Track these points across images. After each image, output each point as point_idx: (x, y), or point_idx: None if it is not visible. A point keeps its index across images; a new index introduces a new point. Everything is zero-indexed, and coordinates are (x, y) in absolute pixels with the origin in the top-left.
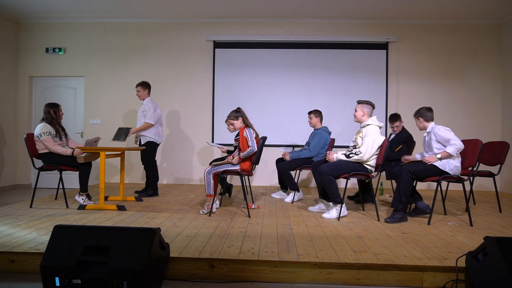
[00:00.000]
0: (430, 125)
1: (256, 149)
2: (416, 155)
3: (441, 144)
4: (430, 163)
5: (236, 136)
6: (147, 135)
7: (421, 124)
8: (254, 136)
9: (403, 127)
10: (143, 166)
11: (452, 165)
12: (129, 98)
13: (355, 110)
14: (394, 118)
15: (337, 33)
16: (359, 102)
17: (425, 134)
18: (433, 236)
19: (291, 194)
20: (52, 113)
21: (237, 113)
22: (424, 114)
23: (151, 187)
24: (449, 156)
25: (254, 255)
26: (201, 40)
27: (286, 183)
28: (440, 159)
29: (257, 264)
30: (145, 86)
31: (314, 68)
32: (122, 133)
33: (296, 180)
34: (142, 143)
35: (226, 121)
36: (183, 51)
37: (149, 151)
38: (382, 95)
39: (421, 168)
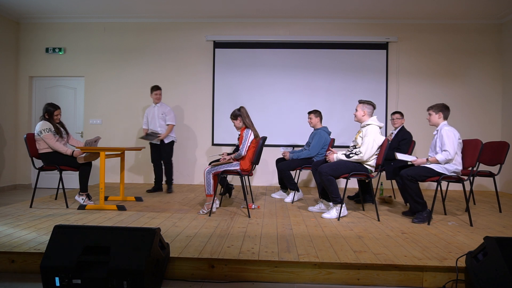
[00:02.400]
0: (442, 124)
1: (243, 154)
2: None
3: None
4: (418, 164)
5: (239, 135)
6: (171, 135)
7: (437, 119)
8: (253, 137)
9: (403, 126)
10: (163, 164)
11: (453, 168)
12: (129, 98)
13: (356, 110)
14: (396, 111)
15: (337, 33)
16: (361, 102)
17: (435, 132)
18: (433, 236)
19: (291, 194)
20: (46, 116)
21: (238, 111)
22: (445, 111)
23: (170, 183)
24: (438, 162)
25: (254, 255)
26: (201, 40)
27: (286, 183)
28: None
29: (257, 264)
30: (160, 90)
31: (314, 68)
32: (151, 136)
33: (296, 180)
34: (166, 142)
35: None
36: (183, 51)
37: (171, 150)
38: (382, 95)
39: (419, 171)
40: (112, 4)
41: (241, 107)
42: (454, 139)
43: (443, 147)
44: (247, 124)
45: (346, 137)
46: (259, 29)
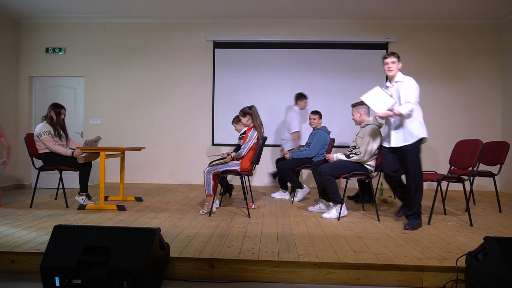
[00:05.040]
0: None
1: (243, 155)
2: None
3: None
4: (397, 114)
5: (241, 134)
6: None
7: (398, 68)
8: (256, 140)
9: None
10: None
11: (424, 130)
12: (129, 98)
13: (352, 115)
14: None
15: (337, 33)
16: (354, 106)
17: (392, 86)
18: (433, 236)
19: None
20: (52, 114)
21: (249, 110)
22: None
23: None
24: (403, 114)
25: (254, 255)
26: (201, 40)
27: (289, 181)
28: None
29: (257, 264)
30: None
31: (314, 68)
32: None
33: None
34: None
35: (233, 121)
36: (183, 51)
37: None
38: None
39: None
40: (112, 4)
41: (252, 106)
42: (417, 90)
43: (407, 97)
44: (256, 125)
45: (346, 137)
46: (259, 29)
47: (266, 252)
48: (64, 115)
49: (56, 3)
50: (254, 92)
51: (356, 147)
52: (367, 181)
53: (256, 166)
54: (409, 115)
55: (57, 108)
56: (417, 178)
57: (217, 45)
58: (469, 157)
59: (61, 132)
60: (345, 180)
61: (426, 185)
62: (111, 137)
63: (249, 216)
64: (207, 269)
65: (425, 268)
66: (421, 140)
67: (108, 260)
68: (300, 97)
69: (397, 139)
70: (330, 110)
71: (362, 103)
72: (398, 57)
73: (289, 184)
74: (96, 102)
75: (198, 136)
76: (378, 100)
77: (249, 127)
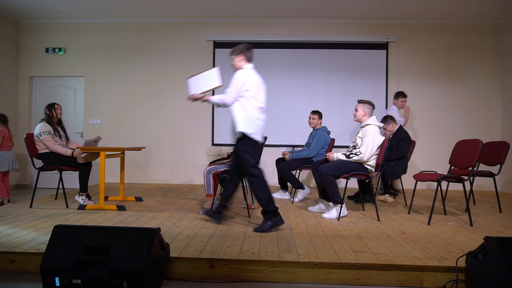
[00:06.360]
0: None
1: None
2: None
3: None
4: (205, 100)
5: None
6: None
7: (239, 61)
8: None
9: (400, 126)
10: None
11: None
12: (129, 98)
13: (356, 110)
14: (383, 120)
15: (337, 33)
16: (360, 102)
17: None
18: (433, 236)
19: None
20: (48, 112)
21: None
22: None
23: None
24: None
25: (254, 255)
26: (201, 40)
27: (289, 182)
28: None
29: (257, 264)
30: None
31: (314, 68)
32: None
33: None
34: None
35: None
36: (183, 51)
37: None
38: (382, 95)
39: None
40: (112, 4)
41: None
42: (240, 83)
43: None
44: None
45: (346, 137)
46: (259, 29)
47: (266, 252)
48: (60, 110)
49: (56, 3)
50: None
51: (356, 147)
52: (367, 181)
53: None
54: (236, 111)
55: (50, 106)
56: (249, 175)
57: (217, 45)
58: (469, 157)
59: (61, 132)
60: (345, 180)
61: (426, 185)
62: (111, 137)
63: (249, 216)
64: (207, 269)
65: (425, 268)
66: (245, 137)
67: (108, 260)
68: (398, 95)
69: (231, 135)
70: (330, 110)
71: (369, 102)
72: (237, 53)
73: (289, 184)
74: (96, 102)
75: (198, 136)
76: (203, 81)
77: None
